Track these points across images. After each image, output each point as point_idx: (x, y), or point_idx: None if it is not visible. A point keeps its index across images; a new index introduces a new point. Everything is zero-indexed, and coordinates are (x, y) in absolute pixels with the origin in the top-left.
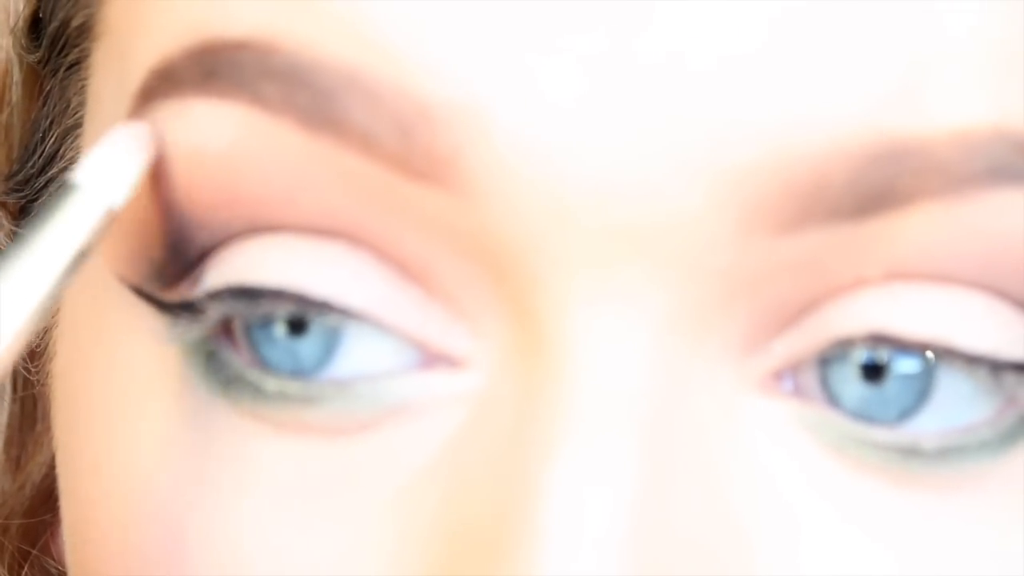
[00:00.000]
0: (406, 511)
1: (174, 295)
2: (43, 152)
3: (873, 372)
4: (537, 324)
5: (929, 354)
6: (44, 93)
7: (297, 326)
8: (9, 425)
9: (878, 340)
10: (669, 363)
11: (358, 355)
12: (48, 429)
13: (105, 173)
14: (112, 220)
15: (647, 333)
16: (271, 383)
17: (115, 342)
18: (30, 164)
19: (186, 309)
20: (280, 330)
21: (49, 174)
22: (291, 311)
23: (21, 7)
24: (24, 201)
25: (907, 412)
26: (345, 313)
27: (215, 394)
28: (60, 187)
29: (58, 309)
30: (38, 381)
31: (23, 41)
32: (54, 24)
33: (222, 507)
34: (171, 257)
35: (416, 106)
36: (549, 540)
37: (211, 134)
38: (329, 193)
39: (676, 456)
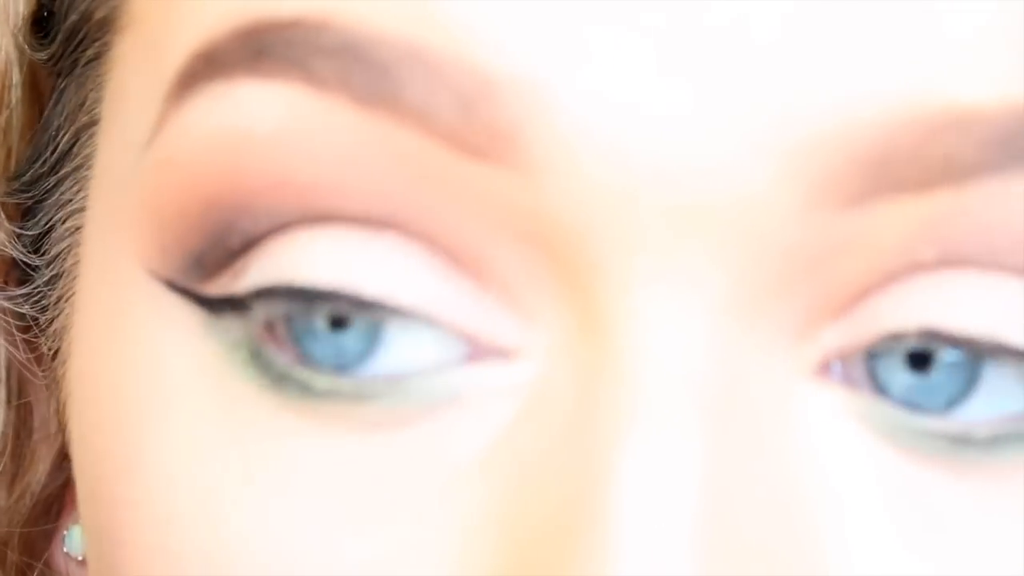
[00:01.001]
0: (459, 502)
1: (214, 288)
2: (55, 150)
3: (920, 361)
4: (595, 307)
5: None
6: (58, 90)
7: (339, 319)
8: (4, 435)
9: (928, 335)
10: (727, 347)
11: (402, 347)
12: (46, 438)
13: None
14: None
15: (706, 316)
16: (321, 381)
17: (145, 340)
18: (39, 163)
19: (232, 307)
20: (322, 324)
21: (61, 172)
22: (339, 310)
23: (20, 7)
24: (32, 202)
25: (954, 400)
26: (396, 311)
27: (259, 391)
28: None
29: (71, 312)
30: (47, 386)
31: (29, 39)
32: (72, 18)
33: (269, 506)
34: (212, 247)
35: (477, 80)
36: (625, 538)
37: (259, 115)
38: (382, 175)
39: (737, 443)
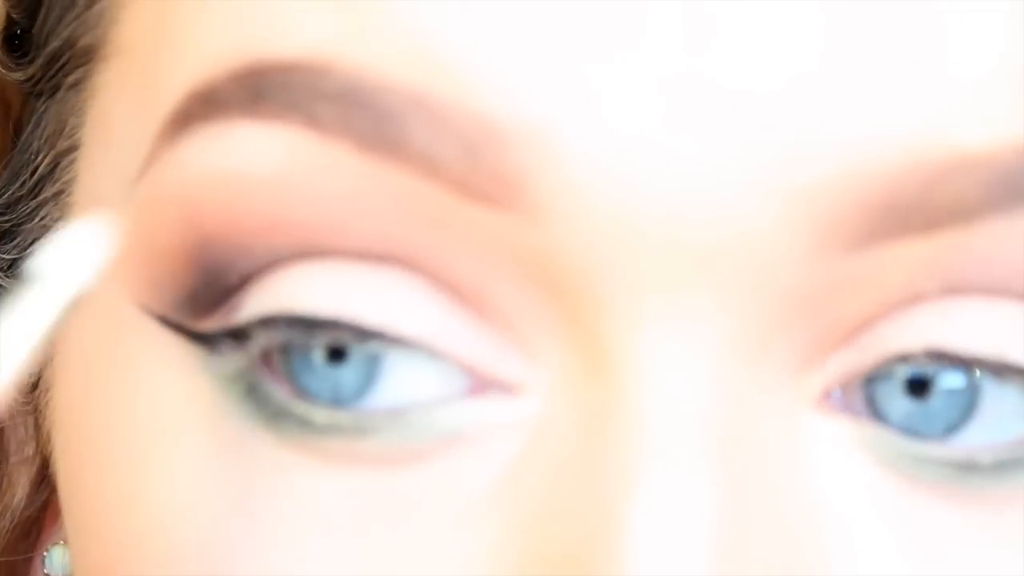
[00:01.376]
0: (467, 539)
1: (207, 324)
2: (34, 173)
3: (918, 387)
4: (600, 347)
5: (976, 370)
6: (37, 113)
7: (336, 353)
8: None
9: (935, 356)
10: (732, 386)
11: (401, 381)
12: (23, 461)
13: (69, 261)
14: (74, 310)
15: (711, 355)
16: (320, 415)
17: (136, 374)
18: (18, 185)
19: (231, 336)
20: (319, 357)
21: (41, 197)
22: (340, 339)
23: None
24: (9, 225)
25: (953, 426)
26: (397, 342)
27: (258, 427)
28: (23, 276)
29: (54, 341)
30: (26, 412)
31: (2, 58)
32: (54, 44)
33: (273, 543)
34: (206, 285)
35: (483, 127)
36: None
37: (258, 158)
38: (384, 217)
39: (746, 481)
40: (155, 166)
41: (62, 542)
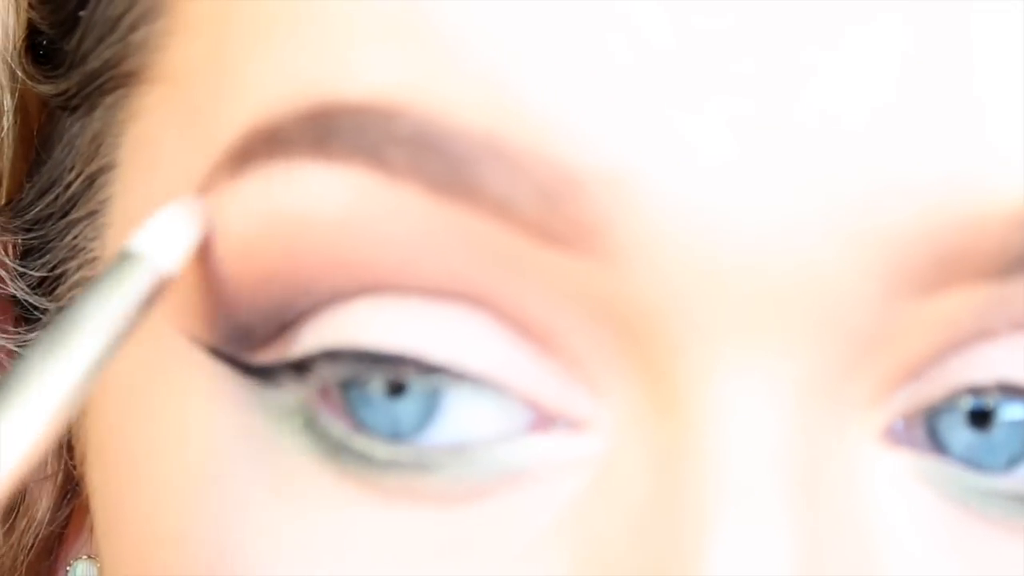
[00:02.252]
0: (538, 570)
1: (263, 357)
2: (67, 190)
3: (980, 419)
4: (672, 388)
5: None
6: (67, 129)
7: (395, 386)
8: None
9: (1006, 390)
10: (803, 426)
11: (461, 416)
12: (46, 478)
13: (162, 241)
14: (166, 289)
15: (784, 398)
16: (381, 450)
17: (185, 406)
18: (48, 201)
19: (292, 369)
20: (378, 391)
21: (73, 216)
22: (403, 374)
23: (11, 31)
24: (38, 242)
25: (1016, 458)
26: (460, 377)
27: (315, 461)
28: (116, 255)
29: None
30: None
31: (29, 69)
32: (94, 64)
33: None
34: (263, 320)
35: (560, 174)
36: None
37: (323, 199)
38: (451, 257)
39: (820, 523)
40: (211, 199)
41: (85, 556)
